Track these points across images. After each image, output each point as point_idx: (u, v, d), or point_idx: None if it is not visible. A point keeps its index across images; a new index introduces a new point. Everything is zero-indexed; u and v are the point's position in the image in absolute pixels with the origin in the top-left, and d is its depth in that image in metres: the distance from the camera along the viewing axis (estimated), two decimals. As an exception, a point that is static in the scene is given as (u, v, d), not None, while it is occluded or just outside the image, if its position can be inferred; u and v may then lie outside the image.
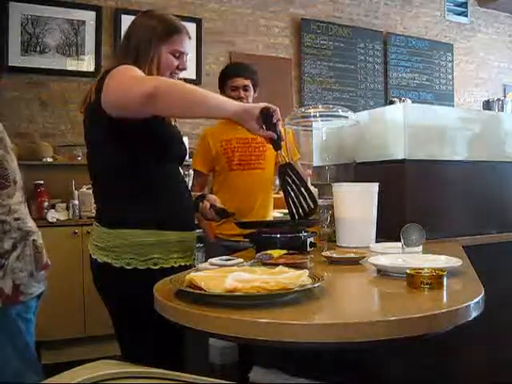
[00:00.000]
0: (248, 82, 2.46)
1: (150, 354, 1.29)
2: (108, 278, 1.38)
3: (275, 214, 2.72)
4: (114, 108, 1.28)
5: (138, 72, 1.31)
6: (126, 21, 3.72)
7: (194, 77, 4.08)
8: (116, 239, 1.35)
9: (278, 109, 1.32)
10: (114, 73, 1.30)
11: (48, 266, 1.42)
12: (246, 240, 1.50)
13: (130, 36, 1.46)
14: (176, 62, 1.47)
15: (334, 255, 1.30)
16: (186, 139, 2.41)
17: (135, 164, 1.37)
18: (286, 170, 1.41)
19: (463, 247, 1.54)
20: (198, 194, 1.70)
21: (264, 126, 1.31)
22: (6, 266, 1.28)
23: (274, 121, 1.31)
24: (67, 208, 3.32)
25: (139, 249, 1.35)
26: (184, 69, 1.50)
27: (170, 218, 1.41)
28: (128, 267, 1.34)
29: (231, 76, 2.47)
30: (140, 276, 1.33)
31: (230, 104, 1.29)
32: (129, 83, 1.25)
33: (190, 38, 1.52)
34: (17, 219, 1.32)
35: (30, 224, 1.39)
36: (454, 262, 1.13)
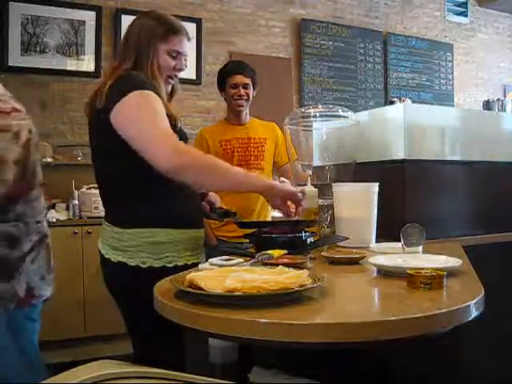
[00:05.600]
0: (248, 81, 2.43)
1: (161, 352, 1.29)
2: (123, 277, 1.38)
3: (275, 214, 2.71)
4: (135, 147, 1.32)
5: (159, 110, 1.33)
6: (126, 21, 3.71)
7: (194, 77, 4.08)
8: (130, 239, 1.35)
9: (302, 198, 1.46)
10: (132, 112, 1.31)
11: (53, 270, 1.41)
12: (248, 242, 1.50)
13: (130, 37, 1.45)
14: (173, 63, 1.46)
15: (334, 255, 1.30)
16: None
17: (147, 164, 1.34)
18: None
19: (463, 247, 1.54)
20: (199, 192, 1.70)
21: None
22: (22, 269, 1.26)
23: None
24: (67, 208, 3.32)
25: (153, 247, 1.36)
26: (181, 69, 1.50)
27: (182, 216, 1.42)
28: (143, 266, 1.35)
29: (231, 73, 2.44)
30: (155, 274, 1.33)
31: (259, 180, 1.44)
32: (160, 143, 1.28)
33: (189, 39, 1.51)
34: (38, 222, 1.31)
35: (45, 225, 1.37)
36: (454, 262, 1.13)
